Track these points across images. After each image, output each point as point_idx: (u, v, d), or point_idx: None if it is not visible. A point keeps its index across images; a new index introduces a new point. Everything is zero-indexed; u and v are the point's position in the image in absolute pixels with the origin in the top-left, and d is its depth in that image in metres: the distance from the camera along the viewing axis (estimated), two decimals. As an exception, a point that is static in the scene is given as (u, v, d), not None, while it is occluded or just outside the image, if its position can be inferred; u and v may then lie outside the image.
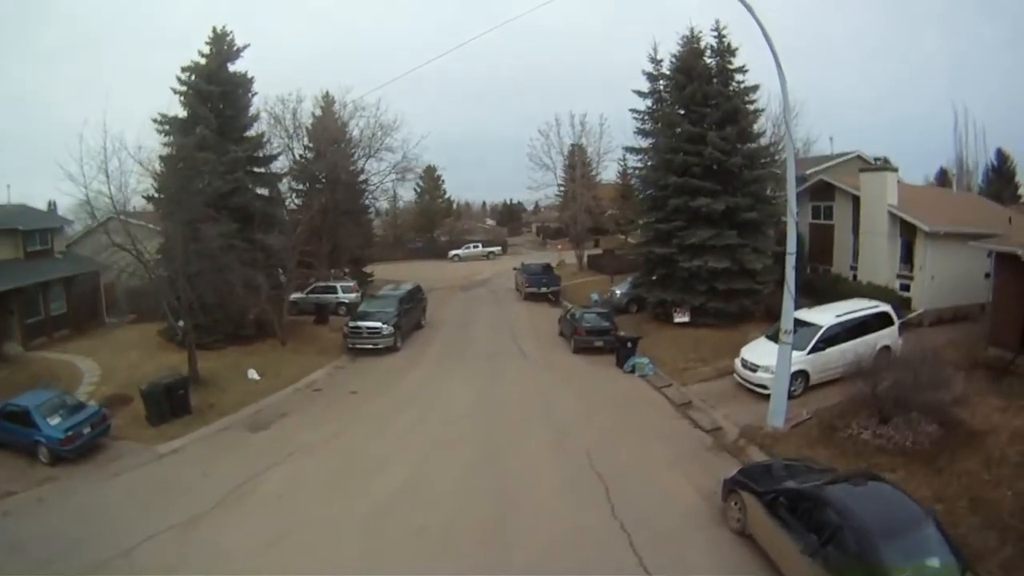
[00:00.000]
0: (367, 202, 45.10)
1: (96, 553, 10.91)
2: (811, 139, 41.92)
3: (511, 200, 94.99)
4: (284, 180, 34.48)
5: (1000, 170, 51.84)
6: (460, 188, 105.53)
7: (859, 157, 35.13)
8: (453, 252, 64.57)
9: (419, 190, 70.70)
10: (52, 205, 37.80)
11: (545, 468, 14.12)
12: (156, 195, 24.11)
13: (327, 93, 41.53)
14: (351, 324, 25.99)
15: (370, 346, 25.19)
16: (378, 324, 25.40)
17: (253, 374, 21.95)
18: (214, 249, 21.80)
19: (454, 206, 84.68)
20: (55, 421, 15.26)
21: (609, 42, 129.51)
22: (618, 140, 47.73)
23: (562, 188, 52.70)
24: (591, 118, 49.93)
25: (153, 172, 22.37)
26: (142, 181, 22.13)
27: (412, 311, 29.13)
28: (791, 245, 15.35)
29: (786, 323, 15.25)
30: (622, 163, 56.46)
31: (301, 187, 39.06)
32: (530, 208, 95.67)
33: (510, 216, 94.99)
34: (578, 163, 50.05)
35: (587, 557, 10.39)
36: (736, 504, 10.99)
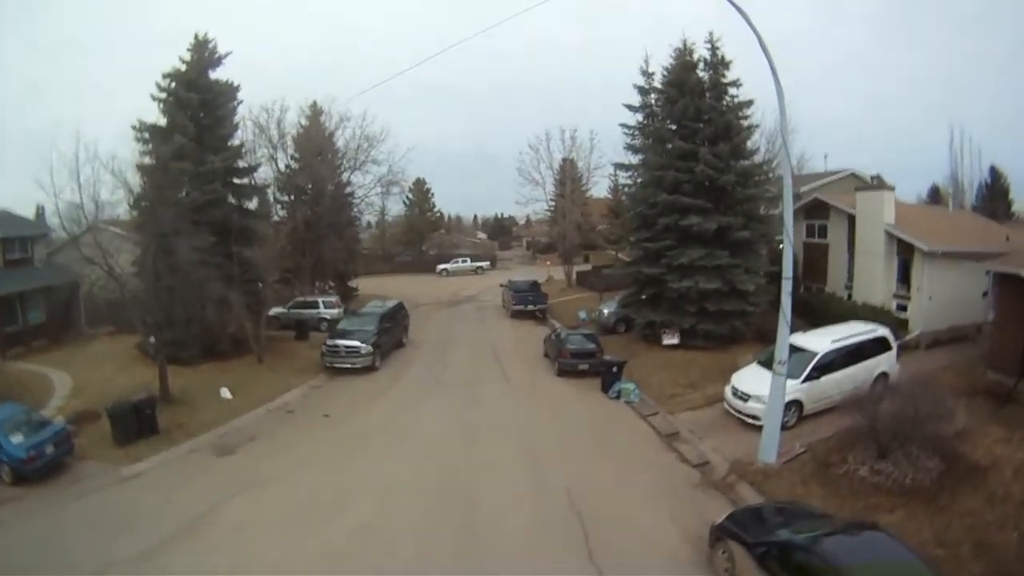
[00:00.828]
0: (353, 215, 44.25)
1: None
2: (805, 157, 41.59)
3: (502, 214, 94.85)
4: (268, 191, 33.76)
5: (993, 187, 52.06)
6: (452, 202, 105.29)
7: (853, 175, 34.77)
8: (441, 267, 63.99)
9: (408, 203, 69.99)
10: (40, 210, 36.67)
11: (520, 507, 13.13)
12: (130, 206, 23.26)
13: (315, 103, 40.87)
14: (329, 342, 25.11)
15: (348, 365, 24.30)
16: (356, 343, 24.55)
17: (226, 393, 21.08)
18: (188, 263, 21.05)
19: (444, 219, 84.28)
20: (18, 439, 14.66)
21: (603, 57, 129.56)
22: (609, 155, 47.42)
23: (552, 204, 52.06)
24: (582, 133, 49.57)
25: (126, 182, 21.40)
26: (115, 192, 21.20)
27: (393, 329, 28.30)
28: (787, 269, 14.59)
29: (780, 353, 14.41)
30: (613, 178, 56.20)
31: (285, 199, 38.36)
32: (521, 222, 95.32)
33: (500, 230, 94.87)
34: (568, 178, 49.48)
35: None
36: (724, 553, 10.13)
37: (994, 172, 52.43)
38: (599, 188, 55.14)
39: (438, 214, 79.57)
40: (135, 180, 22.65)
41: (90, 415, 18.47)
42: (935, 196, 53.44)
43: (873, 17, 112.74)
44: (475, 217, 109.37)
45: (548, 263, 54.13)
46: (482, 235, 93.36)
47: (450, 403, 20.77)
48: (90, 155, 19.75)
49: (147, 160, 24.41)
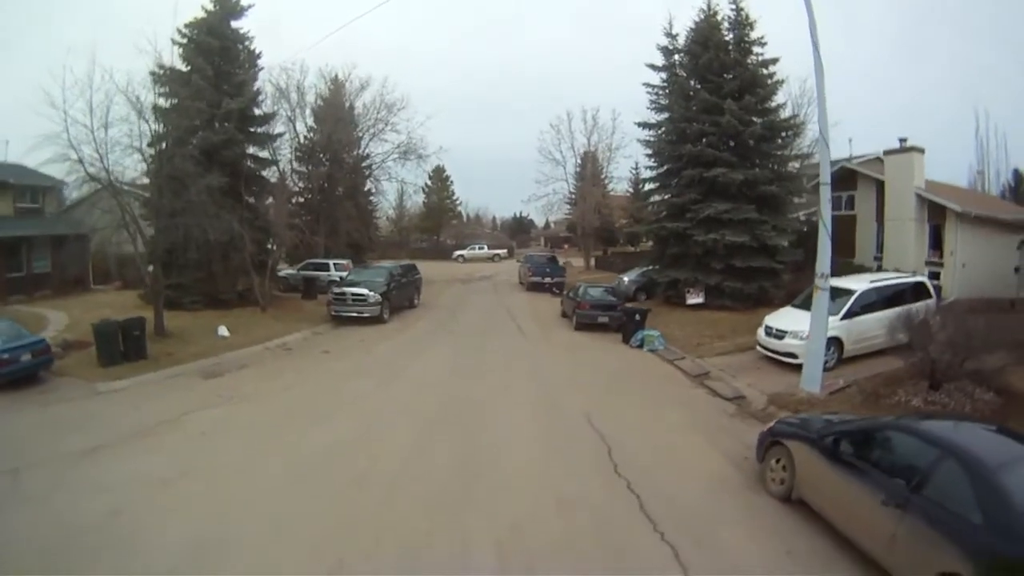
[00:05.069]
0: (369, 184, 43.22)
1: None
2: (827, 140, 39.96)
3: (520, 213, 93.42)
4: (279, 163, 32.90)
5: (1017, 190, 50.48)
6: (471, 204, 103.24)
7: (879, 159, 33.55)
8: (458, 252, 63.04)
9: (427, 190, 68.99)
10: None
11: (531, 427, 11.70)
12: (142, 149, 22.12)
13: (336, 76, 39.90)
14: (335, 290, 23.98)
15: (354, 314, 22.99)
16: (364, 291, 23.31)
17: (223, 331, 20.05)
18: (200, 193, 19.97)
19: (463, 212, 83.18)
20: None
21: (620, 44, 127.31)
22: (631, 134, 45.79)
23: (572, 193, 50.94)
24: (603, 113, 48.39)
25: (138, 101, 19.80)
26: (128, 120, 19.66)
27: (404, 287, 26.97)
28: (825, 174, 13.41)
29: (822, 265, 13.16)
30: (634, 171, 55.07)
31: (303, 169, 37.52)
32: (540, 225, 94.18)
33: (519, 229, 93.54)
34: (588, 161, 48.43)
35: (585, 520, 7.91)
36: (779, 461, 8.56)
37: (1017, 175, 50.80)
38: (620, 170, 53.78)
39: (457, 201, 78.35)
40: (151, 121, 21.55)
41: (79, 344, 17.57)
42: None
43: (893, 18, 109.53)
44: (493, 218, 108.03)
45: (566, 247, 52.80)
46: (500, 235, 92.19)
47: (459, 347, 19.55)
48: (104, 79, 18.62)
49: (164, 102, 23.57)
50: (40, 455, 9.86)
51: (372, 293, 23.30)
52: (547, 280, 34.52)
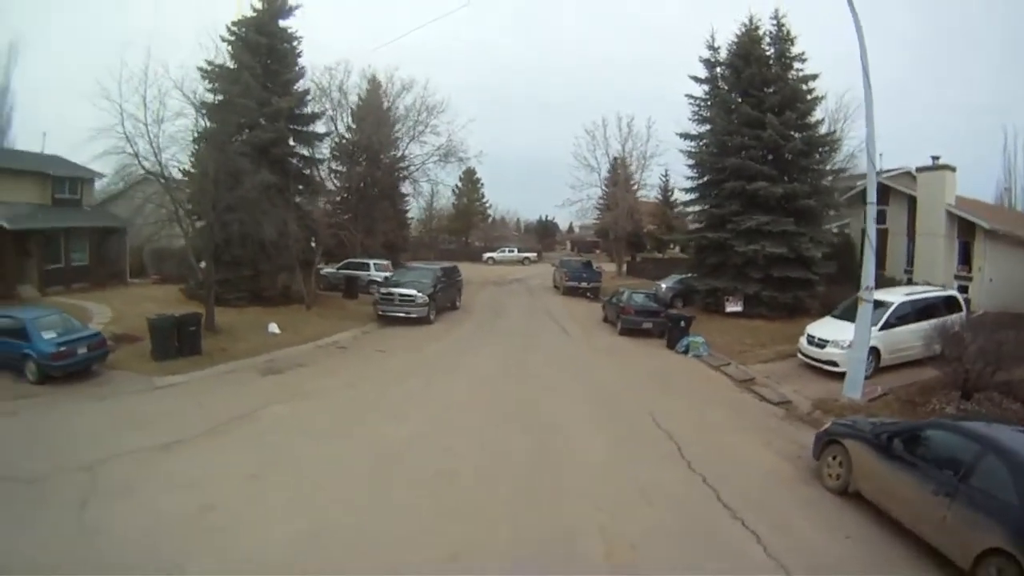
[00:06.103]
0: (406, 186, 44.12)
1: (55, 464, 9.34)
2: (858, 152, 40.23)
3: (545, 216, 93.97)
4: (324, 162, 33.77)
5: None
6: (496, 206, 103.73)
7: (909, 174, 33.75)
8: (487, 255, 63.81)
9: (457, 191, 69.79)
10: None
11: (600, 426, 12.42)
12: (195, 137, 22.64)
13: (374, 76, 40.67)
14: (383, 290, 24.61)
15: (401, 315, 23.52)
16: (412, 292, 23.88)
17: (274, 328, 20.65)
18: (251, 191, 20.54)
19: (489, 213, 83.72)
20: (50, 335, 14.03)
21: (657, 63, 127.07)
22: (667, 142, 46.05)
23: (606, 192, 51.35)
24: (639, 121, 48.67)
25: (194, 95, 20.64)
26: (182, 114, 20.17)
27: (448, 289, 27.65)
28: (871, 194, 14.36)
29: (867, 278, 13.99)
30: (664, 178, 55.33)
31: (341, 169, 38.36)
32: (564, 229, 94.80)
33: (544, 232, 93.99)
34: (620, 166, 48.93)
35: (672, 509, 8.76)
36: (835, 458, 9.35)
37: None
38: (653, 176, 53.90)
39: (487, 204, 78.92)
40: (204, 117, 22.25)
41: (128, 337, 17.71)
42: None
43: (925, 34, 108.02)
44: (518, 221, 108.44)
45: (598, 251, 53.29)
46: (528, 238, 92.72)
47: (510, 348, 20.37)
48: (157, 74, 18.99)
49: (212, 98, 24.10)
50: (112, 451, 9.88)
51: (420, 294, 23.84)
52: (583, 284, 35.19)
